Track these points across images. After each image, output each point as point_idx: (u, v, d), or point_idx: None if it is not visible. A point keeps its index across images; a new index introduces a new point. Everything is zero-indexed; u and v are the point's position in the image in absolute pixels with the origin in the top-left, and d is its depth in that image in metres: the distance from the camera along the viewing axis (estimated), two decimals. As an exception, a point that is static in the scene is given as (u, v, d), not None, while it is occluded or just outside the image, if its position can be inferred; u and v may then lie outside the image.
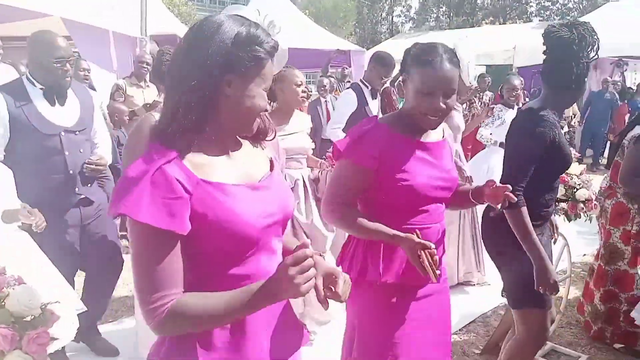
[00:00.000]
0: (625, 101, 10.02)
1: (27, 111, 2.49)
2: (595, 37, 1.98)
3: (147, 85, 4.97)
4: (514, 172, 2.04)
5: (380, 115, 4.09)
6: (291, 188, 3.00)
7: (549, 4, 31.44)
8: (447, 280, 1.93)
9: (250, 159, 1.21)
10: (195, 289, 1.07)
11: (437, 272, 1.57)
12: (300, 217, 2.98)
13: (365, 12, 33.07)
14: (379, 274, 1.72)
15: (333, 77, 8.41)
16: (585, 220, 3.29)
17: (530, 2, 31.94)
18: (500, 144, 4.41)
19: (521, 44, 11.70)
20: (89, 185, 2.72)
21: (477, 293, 3.95)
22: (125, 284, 3.70)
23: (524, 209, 2.00)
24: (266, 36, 1.11)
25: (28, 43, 2.59)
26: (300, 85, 2.98)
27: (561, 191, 3.11)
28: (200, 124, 1.07)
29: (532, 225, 2.01)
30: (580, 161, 6.62)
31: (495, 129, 4.57)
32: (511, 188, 1.69)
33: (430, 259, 1.57)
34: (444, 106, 1.66)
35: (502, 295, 2.38)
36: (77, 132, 2.63)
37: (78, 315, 2.83)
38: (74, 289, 2.50)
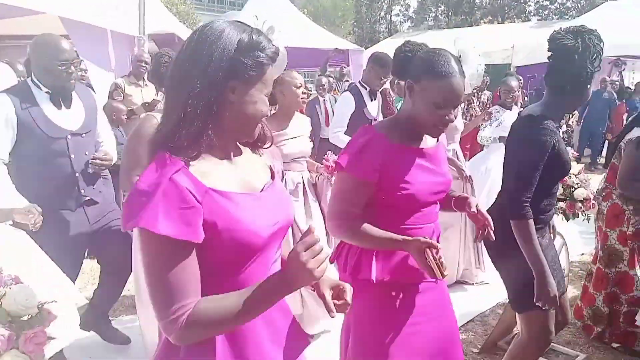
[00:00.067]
0: (623, 100, 10.04)
1: (34, 114, 2.50)
2: (601, 46, 1.96)
3: (146, 84, 4.96)
4: (519, 185, 2.03)
5: (381, 116, 4.13)
6: (293, 190, 3.04)
7: (548, 3, 31.50)
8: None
9: (251, 165, 1.23)
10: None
11: (445, 272, 1.58)
12: (300, 219, 2.99)
13: (364, 11, 33.10)
14: (373, 272, 1.72)
15: (331, 76, 8.40)
16: (583, 220, 3.30)
17: (529, 1, 31.99)
18: (499, 138, 4.44)
19: (519, 43, 11.72)
20: (93, 185, 2.74)
21: (476, 292, 3.95)
22: (124, 284, 3.69)
23: (531, 222, 2.00)
24: (268, 42, 1.13)
25: (31, 46, 2.60)
26: (299, 87, 3.00)
27: (559, 190, 3.11)
28: (206, 131, 1.08)
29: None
30: (578, 160, 6.62)
31: (494, 130, 4.59)
32: (492, 224, 1.74)
33: (435, 257, 1.57)
34: (453, 117, 1.69)
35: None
36: (83, 135, 2.67)
37: (90, 304, 2.90)
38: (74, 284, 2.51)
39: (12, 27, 6.22)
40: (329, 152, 3.18)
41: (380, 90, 4.19)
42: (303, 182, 3.10)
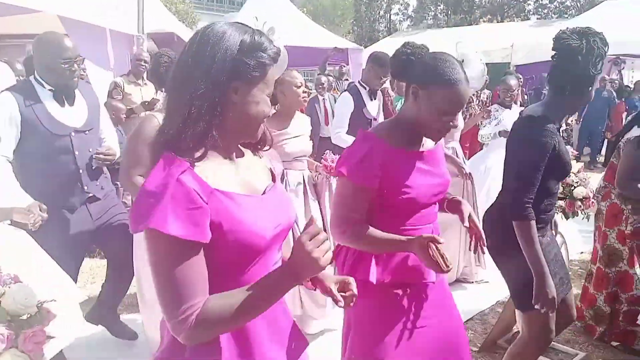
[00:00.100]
0: (623, 99, 10.04)
1: (37, 112, 2.52)
2: (605, 50, 1.95)
3: (145, 84, 4.96)
4: (521, 186, 2.03)
5: (381, 116, 4.13)
6: (294, 188, 3.06)
7: (547, 2, 31.44)
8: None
9: (252, 167, 1.23)
10: None
11: (449, 265, 1.58)
12: (300, 218, 3.00)
13: (363, 10, 33.05)
14: (372, 274, 1.72)
15: (331, 75, 8.40)
16: (583, 218, 3.30)
17: (528, 0, 31.97)
18: (500, 133, 4.46)
19: (519, 41, 11.73)
20: (96, 181, 2.75)
21: (475, 290, 3.95)
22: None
23: (533, 223, 2.00)
24: (269, 43, 1.13)
25: (34, 44, 2.61)
26: (300, 86, 3.01)
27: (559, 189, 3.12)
28: (210, 132, 1.08)
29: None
30: (577, 159, 6.61)
31: (494, 128, 4.60)
32: (485, 241, 1.80)
33: (438, 251, 1.58)
34: (457, 123, 1.71)
35: None
36: (87, 132, 2.69)
37: (98, 299, 2.94)
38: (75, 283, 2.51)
39: (10, 26, 6.20)
40: (327, 151, 3.19)
41: (380, 89, 4.19)
42: (304, 181, 3.12)
